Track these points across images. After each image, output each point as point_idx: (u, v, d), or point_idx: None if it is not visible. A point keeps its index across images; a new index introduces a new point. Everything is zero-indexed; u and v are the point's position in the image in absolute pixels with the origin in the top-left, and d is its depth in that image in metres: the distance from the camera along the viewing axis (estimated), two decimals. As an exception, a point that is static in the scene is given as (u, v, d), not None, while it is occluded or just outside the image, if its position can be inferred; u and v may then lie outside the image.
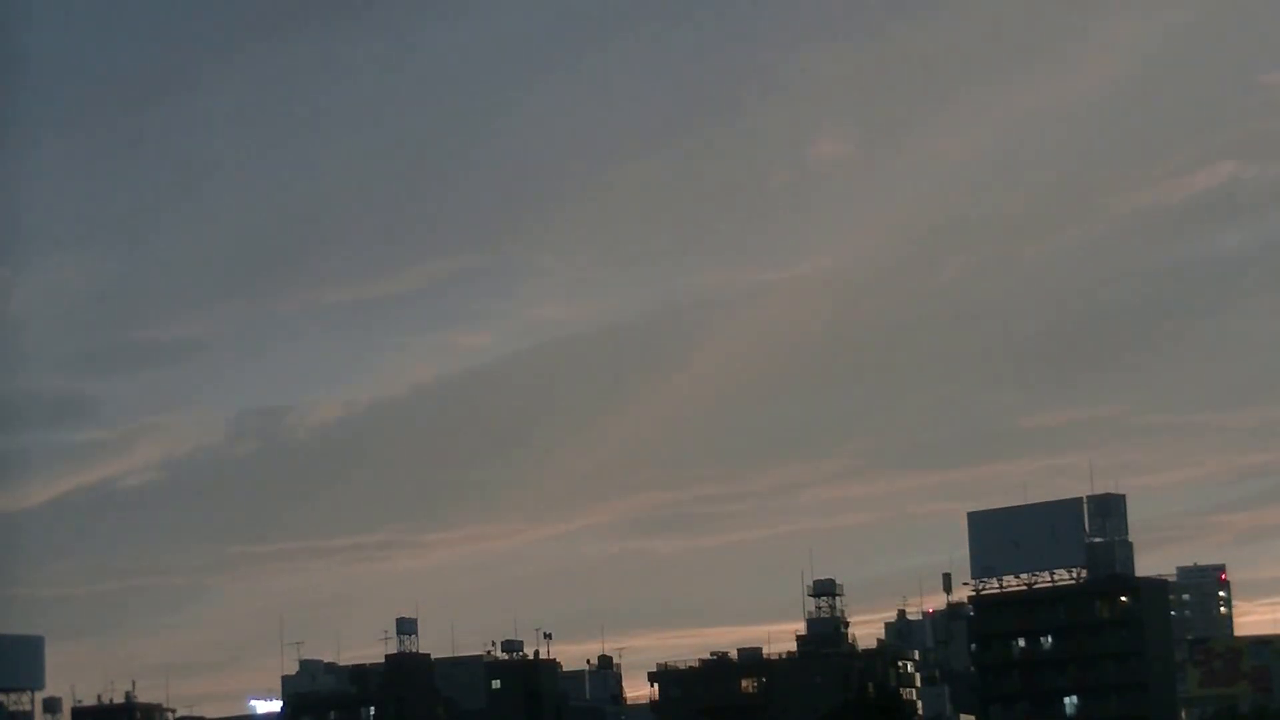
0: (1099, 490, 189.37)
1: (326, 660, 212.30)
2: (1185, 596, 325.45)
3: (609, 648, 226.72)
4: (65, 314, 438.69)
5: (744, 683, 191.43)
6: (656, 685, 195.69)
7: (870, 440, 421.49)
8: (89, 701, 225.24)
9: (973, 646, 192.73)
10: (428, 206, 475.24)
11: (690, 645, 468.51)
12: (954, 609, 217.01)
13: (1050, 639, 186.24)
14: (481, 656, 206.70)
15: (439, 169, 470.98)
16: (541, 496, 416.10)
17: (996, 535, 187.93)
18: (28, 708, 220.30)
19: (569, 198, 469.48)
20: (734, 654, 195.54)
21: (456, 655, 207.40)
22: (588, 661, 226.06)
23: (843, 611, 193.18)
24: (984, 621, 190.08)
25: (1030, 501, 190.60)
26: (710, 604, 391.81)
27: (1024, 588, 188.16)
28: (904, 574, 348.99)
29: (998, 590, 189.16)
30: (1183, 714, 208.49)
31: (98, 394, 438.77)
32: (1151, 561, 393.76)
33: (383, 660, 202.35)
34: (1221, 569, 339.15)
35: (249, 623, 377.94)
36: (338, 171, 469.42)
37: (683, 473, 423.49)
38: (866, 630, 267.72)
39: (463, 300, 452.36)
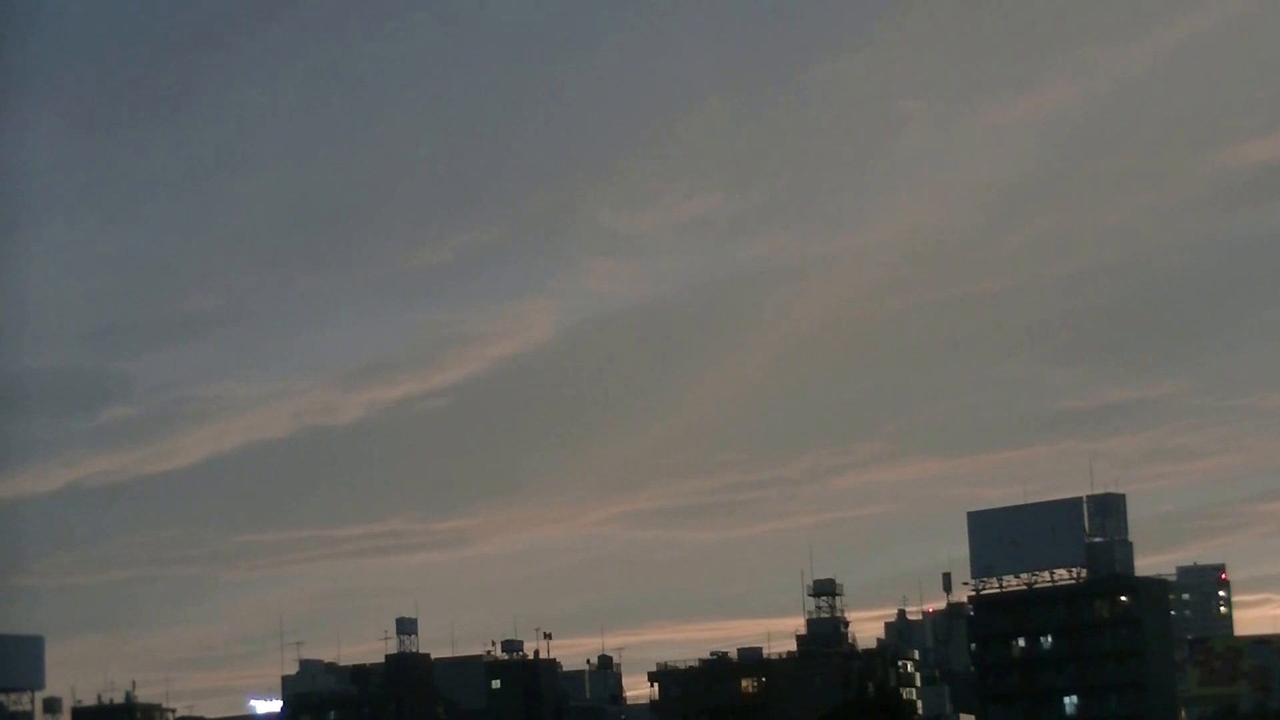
0: (1099, 489, 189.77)
1: (326, 660, 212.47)
2: (1185, 596, 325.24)
3: (623, 641, 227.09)
4: (88, 287, 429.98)
5: (744, 683, 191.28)
6: (656, 685, 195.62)
7: (908, 423, 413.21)
8: (89, 701, 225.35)
9: (973, 646, 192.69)
10: (468, 176, 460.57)
11: (710, 639, 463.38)
12: (954, 609, 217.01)
13: (1050, 639, 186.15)
14: (481, 656, 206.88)
15: (483, 137, 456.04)
16: (564, 487, 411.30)
17: (996, 535, 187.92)
18: (28, 708, 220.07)
19: (627, 159, 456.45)
20: (734, 654, 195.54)
21: (456, 655, 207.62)
22: (588, 661, 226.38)
23: (842, 611, 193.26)
24: (984, 621, 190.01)
25: (1036, 500, 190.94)
26: (730, 596, 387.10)
27: (1024, 587, 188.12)
28: (930, 565, 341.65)
29: (998, 590, 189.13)
30: (1183, 713, 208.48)
31: (125, 371, 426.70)
32: (1207, 548, 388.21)
33: (383, 660, 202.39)
34: (1221, 568, 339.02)
35: (252, 619, 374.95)
36: (382, 137, 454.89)
37: (716, 459, 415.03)
38: (867, 630, 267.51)
39: (506, 273, 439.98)
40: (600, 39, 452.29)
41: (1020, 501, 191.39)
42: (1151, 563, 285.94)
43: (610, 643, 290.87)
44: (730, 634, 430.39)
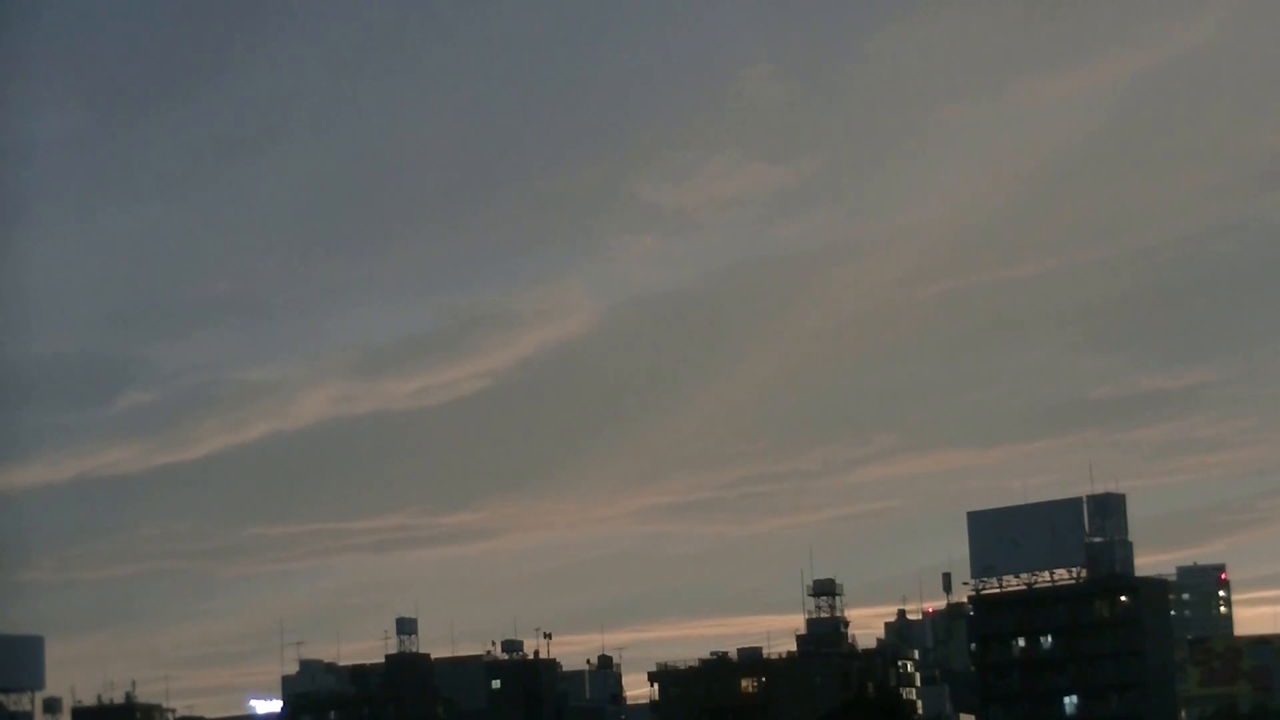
0: (1099, 489, 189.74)
1: (327, 660, 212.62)
2: (1185, 596, 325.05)
3: (633, 638, 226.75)
4: (104, 271, 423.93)
5: (744, 683, 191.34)
6: (656, 685, 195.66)
7: (931, 414, 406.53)
8: (89, 701, 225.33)
9: (973, 646, 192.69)
10: (501, 151, 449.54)
11: (722, 635, 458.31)
12: (954, 609, 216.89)
13: (1050, 639, 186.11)
14: (481, 656, 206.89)
15: (517, 109, 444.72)
16: (578, 481, 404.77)
17: (996, 535, 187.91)
18: (28, 708, 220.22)
19: (669, 130, 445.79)
20: (734, 654, 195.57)
21: (456, 655, 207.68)
22: (588, 661, 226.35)
23: (842, 611, 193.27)
24: (984, 621, 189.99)
25: (1038, 499, 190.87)
26: (742, 592, 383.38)
27: (1024, 587, 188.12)
28: (935, 564, 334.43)
29: (998, 590, 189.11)
30: (1182, 713, 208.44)
31: (142, 357, 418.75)
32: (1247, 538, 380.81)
33: (383, 660, 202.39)
34: (1221, 568, 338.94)
35: (256, 615, 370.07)
36: (411, 115, 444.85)
37: (732, 451, 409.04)
38: (872, 628, 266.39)
39: (541, 254, 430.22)
40: (640, 5, 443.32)
41: (1031, 498, 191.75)
42: (1151, 562, 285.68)
43: (619, 640, 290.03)
44: (743, 630, 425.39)
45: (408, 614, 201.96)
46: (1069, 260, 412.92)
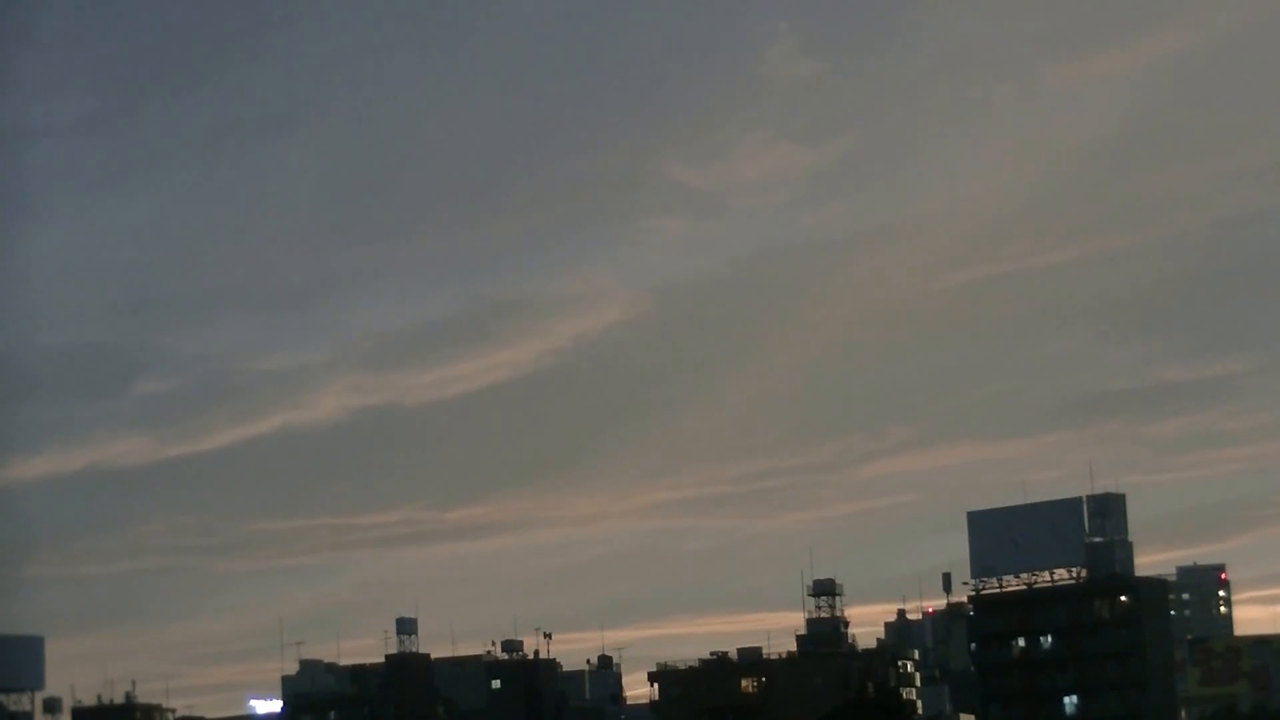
0: (1099, 489, 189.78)
1: (327, 660, 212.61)
2: (1185, 596, 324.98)
3: (642, 635, 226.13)
4: (116, 260, 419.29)
5: (744, 683, 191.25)
6: (656, 685, 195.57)
7: (949, 405, 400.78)
8: (89, 701, 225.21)
9: (973, 646, 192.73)
10: (523, 131, 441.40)
11: (731, 632, 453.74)
12: (954, 609, 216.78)
13: (1050, 639, 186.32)
14: (481, 656, 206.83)
15: (542, 87, 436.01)
16: (591, 477, 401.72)
17: (996, 535, 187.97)
18: (28, 708, 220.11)
19: (699, 106, 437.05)
20: (734, 654, 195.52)
21: (456, 655, 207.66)
22: (587, 661, 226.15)
23: (842, 611, 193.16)
24: (984, 621, 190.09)
25: (1037, 499, 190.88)
26: (751, 589, 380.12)
27: (1024, 587, 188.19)
28: (935, 564, 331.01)
29: (997, 590, 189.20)
30: (1182, 713, 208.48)
31: (156, 347, 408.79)
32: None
33: (383, 660, 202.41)
34: (1221, 568, 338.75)
35: (258, 612, 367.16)
36: (430, 98, 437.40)
37: (745, 445, 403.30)
38: (868, 630, 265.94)
39: (566, 241, 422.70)
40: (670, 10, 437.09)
41: (1048, 493, 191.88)
42: (1152, 561, 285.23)
43: (621, 638, 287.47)
44: (749, 627, 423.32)
45: (408, 613, 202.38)
46: (1094, 249, 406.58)
